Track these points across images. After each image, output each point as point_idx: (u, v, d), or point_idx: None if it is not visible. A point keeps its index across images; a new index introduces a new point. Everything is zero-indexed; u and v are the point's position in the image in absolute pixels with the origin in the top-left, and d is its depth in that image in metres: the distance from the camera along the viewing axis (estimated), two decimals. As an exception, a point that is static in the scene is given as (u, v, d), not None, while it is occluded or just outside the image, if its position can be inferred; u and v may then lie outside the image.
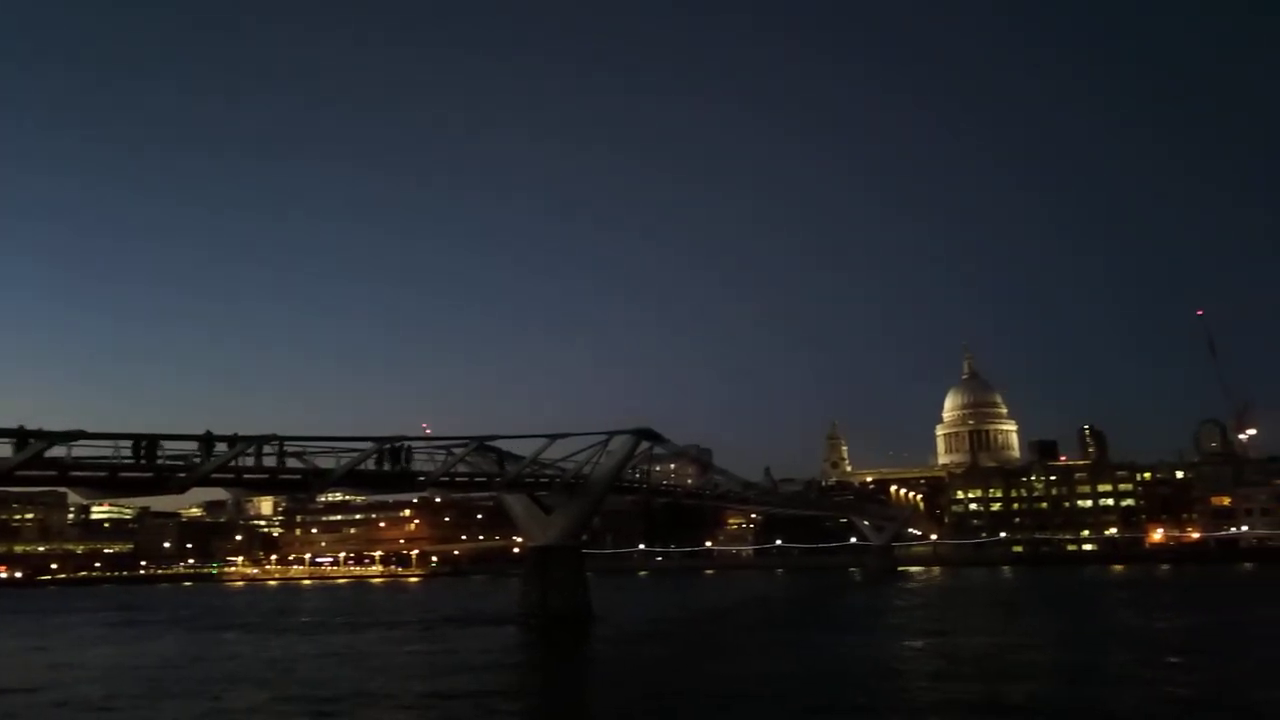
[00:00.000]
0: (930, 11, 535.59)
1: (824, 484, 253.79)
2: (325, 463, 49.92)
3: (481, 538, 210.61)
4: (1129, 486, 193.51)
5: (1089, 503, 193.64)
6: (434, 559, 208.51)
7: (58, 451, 39.34)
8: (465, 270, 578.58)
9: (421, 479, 55.80)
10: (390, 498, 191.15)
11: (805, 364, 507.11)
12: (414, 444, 54.98)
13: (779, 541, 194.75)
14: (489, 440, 60.72)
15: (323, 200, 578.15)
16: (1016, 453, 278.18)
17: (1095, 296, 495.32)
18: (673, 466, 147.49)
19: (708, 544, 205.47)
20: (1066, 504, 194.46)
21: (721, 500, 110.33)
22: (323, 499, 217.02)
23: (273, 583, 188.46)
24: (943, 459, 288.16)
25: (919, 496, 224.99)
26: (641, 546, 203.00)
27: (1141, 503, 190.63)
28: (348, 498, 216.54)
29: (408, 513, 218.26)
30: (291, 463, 48.23)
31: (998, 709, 29.16)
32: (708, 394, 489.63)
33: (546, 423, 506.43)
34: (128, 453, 41.83)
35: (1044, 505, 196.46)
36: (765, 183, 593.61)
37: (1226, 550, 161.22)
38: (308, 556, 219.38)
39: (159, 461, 42.98)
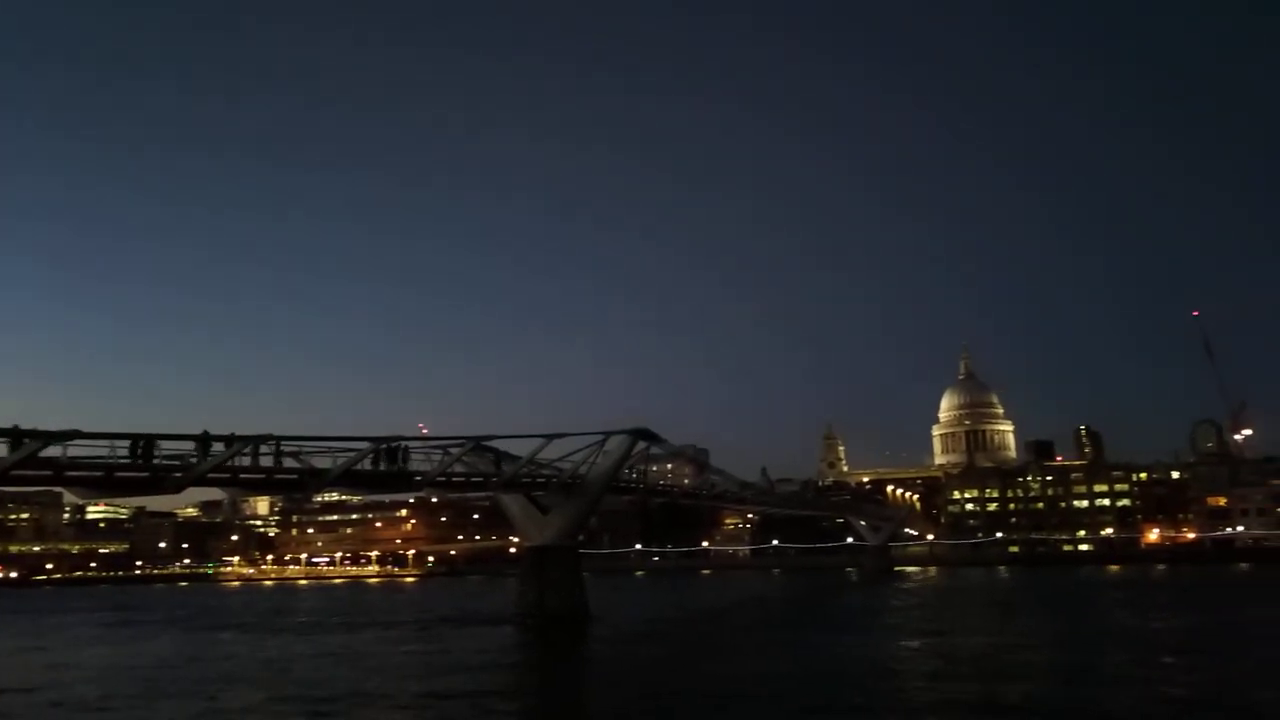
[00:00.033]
0: (930, 11, 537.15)
1: (821, 484, 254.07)
2: (321, 463, 49.79)
3: (478, 538, 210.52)
4: (1125, 487, 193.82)
5: (1085, 503, 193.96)
6: (430, 559, 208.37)
7: (53, 451, 39.19)
8: (463, 270, 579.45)
9: (418, 479, 55.70)
10: (387, 498, 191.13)
11: (802, 364, 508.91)
12: (411, 444, 54.91)
13: (776, 541, 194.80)
14: (486, 440, 60.63)
15: (321, 200, 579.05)
16: (1013, 453, 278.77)
17: (1092, 297, 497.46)
18: (669, 466, 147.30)
19: (704, 544, 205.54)
20: (1063, 504, 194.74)
21: (718, 500, 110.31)
22: (319, 499, 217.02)
23: (269, 583, 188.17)
24: (939, 459, 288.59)
25: (915, 497, 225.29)
26: (638, 546, 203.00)
27: (1137, 503, 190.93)
28: (344, 498, 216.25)
29: (404, 513, 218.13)
30: (288, 463, 48.13)
31: (995, 709, 29.16)
32: (705, 394, 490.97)
33: (544, 422, 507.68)
34: (123, 452, 41.71)
35: (1040, 505, 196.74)
36: (764, 183, 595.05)
37: (1222, 550, 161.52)
38: (304, 556, 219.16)
39: (155, 461, 42.89)
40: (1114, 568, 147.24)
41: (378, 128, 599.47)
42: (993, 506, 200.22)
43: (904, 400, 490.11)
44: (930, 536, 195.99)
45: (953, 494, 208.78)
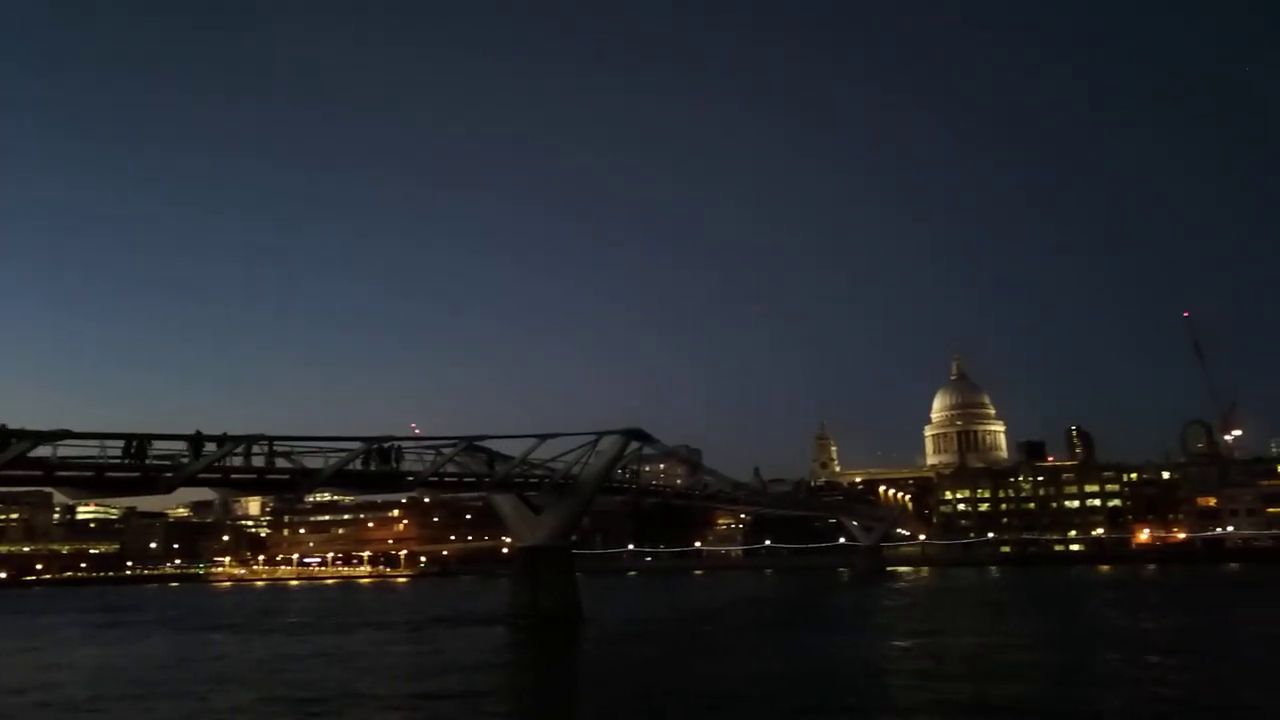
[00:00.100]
0: (930, 11, 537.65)
1: (813, 484, 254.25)
2: (313, 463, 49.72)
3: (470, 538, 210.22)
4: (1116, 487, 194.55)
5: (1076, 503, 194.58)
6: (423, 559, 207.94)
7: (43, 451, 39.05)
8: (456, 270, 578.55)
9: (410, 479, 55.64)
10: (379, 498, 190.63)
11: (795, 364, 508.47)
12: (403, 444, 54.80)
13: (768, 542, 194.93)
14: (478, 440, 60.58)
15: (318, 201, 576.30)
16: (1004, 453, 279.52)
17: (1084, 298, 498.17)
18: (662, 467, 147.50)
19: (697, 544, 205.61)
20: (1054, 504, 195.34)
21: (711, 500, 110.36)
22: (311, 499, 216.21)
23: (260, 583, 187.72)
24: (931, 459, 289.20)
25: (907, 497, 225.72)
26: (631, 547, 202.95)
27: (1128, 503, 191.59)
28: (336, 498, 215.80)
29: (396, 513, 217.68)
30: (280, 463, 48.03)
31: (986, 709, 29.24)
32: (698, 394, 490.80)
33: (536, 423, 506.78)
34: (113, 453, 41.55)
35: (1031, 506, 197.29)
36: (759, 183, 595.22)
37: (1212, 550, 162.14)
38: (295, 557, 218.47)
39: (146, 461, 42.72)
40: (1105, 568, 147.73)
41: (375, 128, 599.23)
42: (984, 507, 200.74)
43: (896, 400, 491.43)
44: (922, 537, 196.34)
45: (944, 494, 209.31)
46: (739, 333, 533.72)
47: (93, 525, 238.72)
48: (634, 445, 69.19)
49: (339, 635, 60.05)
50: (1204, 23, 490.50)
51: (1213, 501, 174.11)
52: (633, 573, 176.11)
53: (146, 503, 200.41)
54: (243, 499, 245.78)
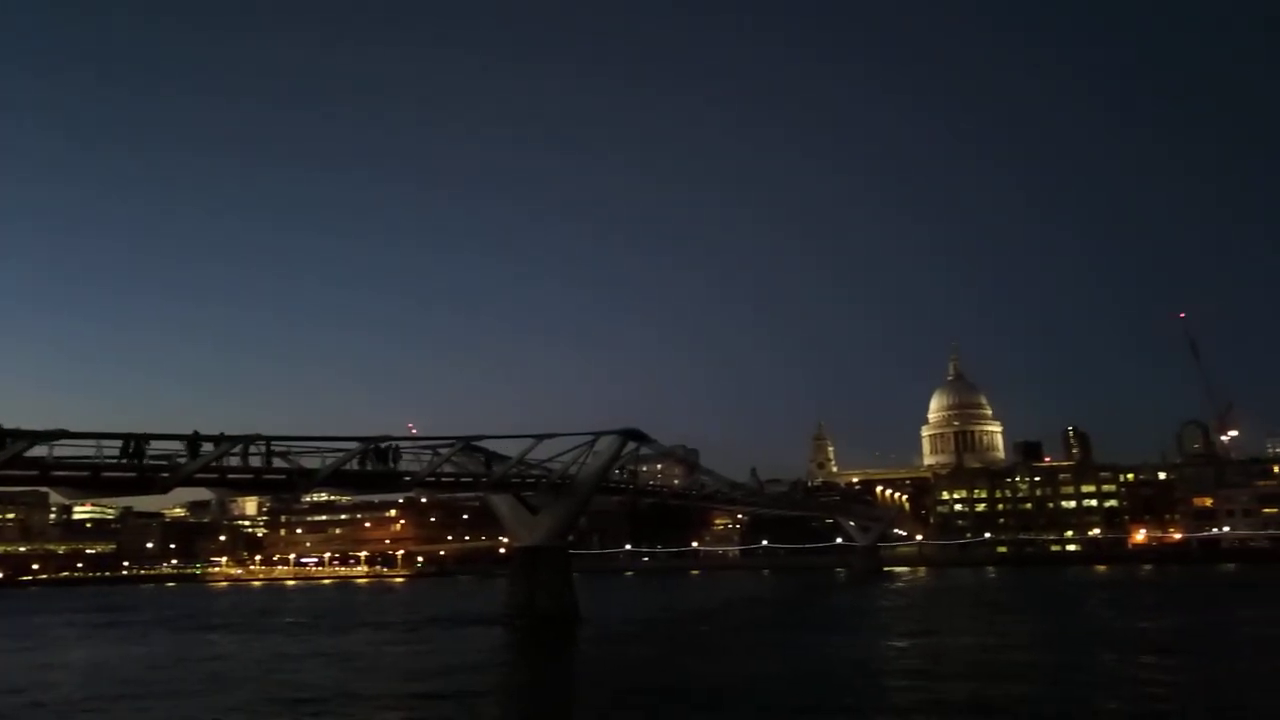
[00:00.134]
0: (930, 11, 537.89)
1: (810, 484, 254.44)
2: (310, 462, 49.69)
3: (468, 538, 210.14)
4: (1112, 488, 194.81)
5: (1073, 503, 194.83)
6: (420, 559, 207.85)
7: (39, 451, 39.00)
8: (453, 271, 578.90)
9: (407, 479, 55.62)
10: (376, 498, 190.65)
11: (792, 364, 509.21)
12: (400, 444, 54.78)
13: (765, 542, 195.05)
14: (475, 440, 60.59)
15: (314, 202, 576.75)
16: (1001, 454, 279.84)
17: (1082, 299, 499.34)
18: (659, 467, 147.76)
19: (694, 544, 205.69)
20: (1050, 505, 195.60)
21: (708, 501, 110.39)
22: (308, 499, 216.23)
23: (257, 583, 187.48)
24: (928, 459, 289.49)
25: (904, 497, 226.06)
26: (628, 547, 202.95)
27: (1125, 504, 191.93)
28: (333, 498, 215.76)
29: (393, 513, 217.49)
30: (277, 463, 47.99)
31: (982, 709, 29.25)
32: (694, 394, 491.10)
33: (533, 423, 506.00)
34: (110, 452, 41.51)
35: (1028, 506, 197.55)
36: (757, 183, 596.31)
37: (1208, 551, 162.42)
38: (292, 557, 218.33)
39: (141, 461, 42.66)
40: (1101, 568, 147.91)
41: (373, 129, 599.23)
42: (981, 507, 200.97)
43: (893, 401, 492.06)
44: (919, 537, 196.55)
45: (941, 494, 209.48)
46: (736, 333, 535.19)
47: (89, 525, 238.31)
48: (631, 445, 69.23)
49: (336, 635, 59.99)
50: (1204, 23, 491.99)
51: (1209, 502, 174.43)
52: (630, 573, 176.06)
53: (143, 503, 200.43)
54: (240, 499, 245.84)
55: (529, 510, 63.14)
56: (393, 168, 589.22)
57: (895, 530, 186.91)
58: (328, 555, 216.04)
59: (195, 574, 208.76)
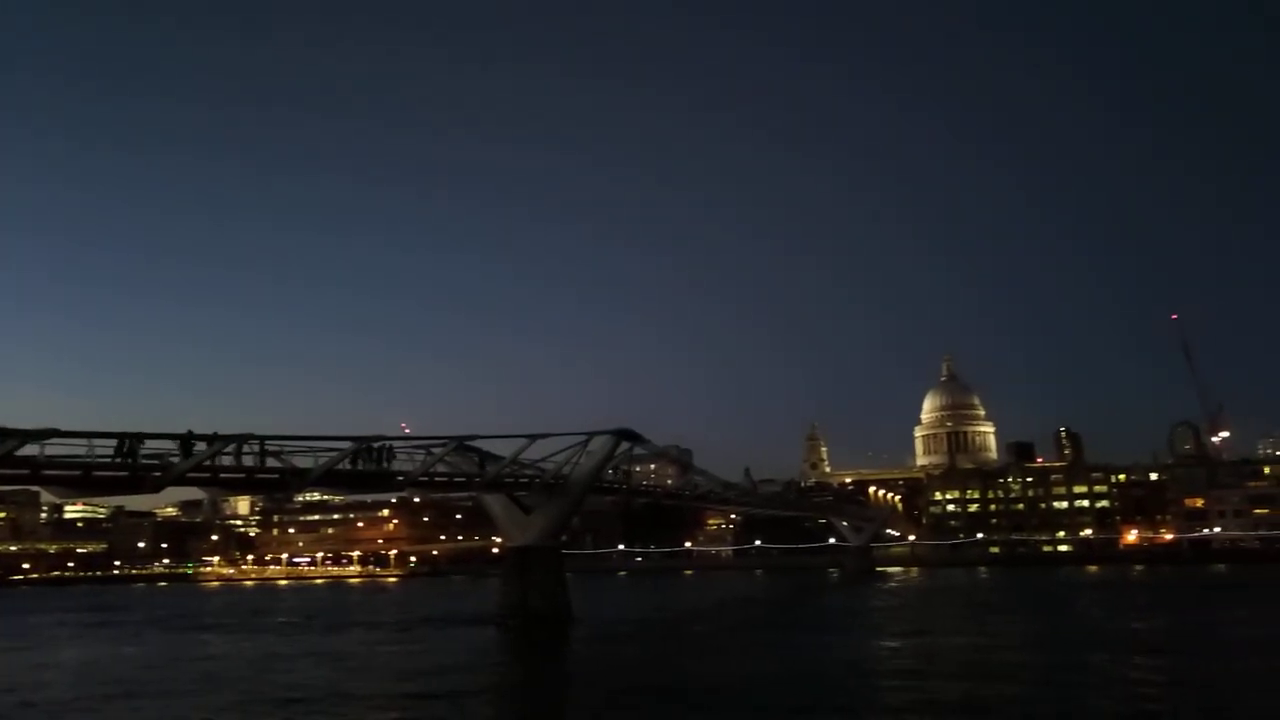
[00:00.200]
0: (930, 11, 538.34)
1: (803, 485, 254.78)
2: (303, 462, 49.58)
3: (460, 538, 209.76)
4: (1104, 488, 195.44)
5: (1065, 504, 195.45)
6: (412, 559, 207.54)
7: (30, 450, 38.85)
8: (447, 272, 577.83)
9: (400, 479, 55.57)
10: (369, 497, 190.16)
11: (786, 365, 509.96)
12: (393, 444, 54.72)
13: (758, 542, 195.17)
14: (469, 440, 60.53)
15: (309, 205, 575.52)
16: (994, 454, 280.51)
17: (1075, 300, 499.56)
18: (652, 467, 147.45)
19: (687, 544, 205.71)
20: (1043, 505, 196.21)
21: (701, 501, 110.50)
22: (300, 499, 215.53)
23: (249, 583, 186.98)
24: (921, 460, 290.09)
25: (897, 497, 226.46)
26: (621, 547, 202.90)
27: (1116, 504, 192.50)
28: (325, 497, 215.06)
29: (386, 513, 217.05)
30: (270, 462, 47.87)
31: (974, 709, 29.36)
32: (688, 395, 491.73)
33: (527, 423, 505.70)
34: (101, 451, 41.37)
35: (1020, 506, 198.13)
36: (752, 183, 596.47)
37: (1199, 551, 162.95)
38: (285, 557, 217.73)
39: (133, 460, 42.52)
40: (1093, 568, 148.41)
41: (369, 131, 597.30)
42: (974, 507, 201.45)
43: (886, 401, 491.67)
44: (912, 537, 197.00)
45: (934, 495, 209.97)
46: (731, 333, 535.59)
47: (80, 524, 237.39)
48: (624, 445, 69.27)
49: (328, 635, 59.91)
50: (1204, 23, 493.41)
51: (1200, 503, 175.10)
52: (623, 573, 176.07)
53: (135, 502, 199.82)
54: (232, 498, 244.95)
55: (522, 510, 63.11)
56: (389, 168, 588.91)
57: (888, 530, 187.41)
58: (320, 555, 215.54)
59: (187, 574, 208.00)
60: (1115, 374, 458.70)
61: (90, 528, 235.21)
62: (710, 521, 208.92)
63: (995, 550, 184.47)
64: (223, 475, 47.00)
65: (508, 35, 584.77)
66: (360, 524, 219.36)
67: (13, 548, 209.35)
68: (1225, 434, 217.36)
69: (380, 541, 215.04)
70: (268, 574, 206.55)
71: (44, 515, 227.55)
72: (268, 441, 47.54)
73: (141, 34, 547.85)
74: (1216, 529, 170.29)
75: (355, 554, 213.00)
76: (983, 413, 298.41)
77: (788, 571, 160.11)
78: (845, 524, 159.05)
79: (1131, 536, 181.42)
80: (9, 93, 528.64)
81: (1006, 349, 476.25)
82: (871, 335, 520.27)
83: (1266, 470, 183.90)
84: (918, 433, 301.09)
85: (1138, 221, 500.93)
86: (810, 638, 51.67)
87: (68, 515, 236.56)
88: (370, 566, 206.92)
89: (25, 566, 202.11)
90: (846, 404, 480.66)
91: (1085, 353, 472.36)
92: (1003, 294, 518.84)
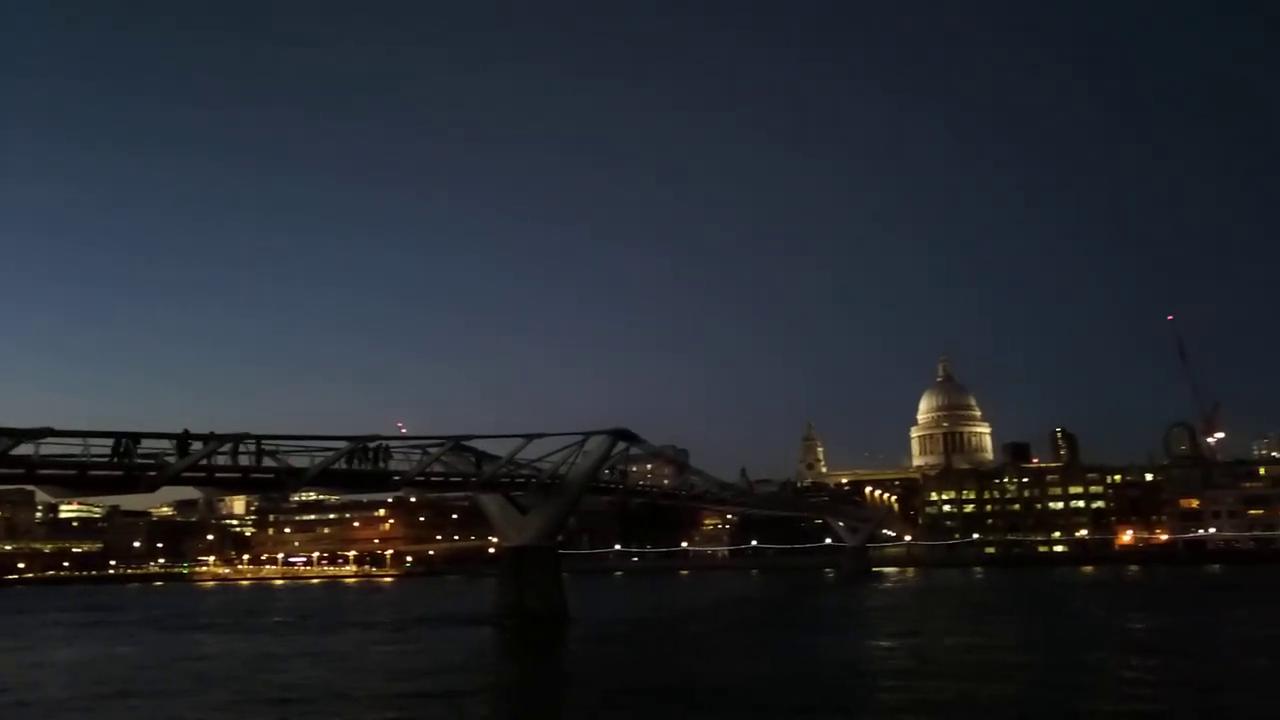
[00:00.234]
0: (930, 11, 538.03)
1: (799, 485, 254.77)
2: (299, 462, 49.55)
3: (457, 538, 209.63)
4: (1100, 489, 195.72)
5: (1060, 504, 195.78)
6: (409, 559, 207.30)
7: (25, 449, 38.77)
8: (443, 272, 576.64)
9: (396, 478, 55.55)
10: (365, 497, 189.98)
11: (782, 365, 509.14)
12: (389, 443, 54.69)
13: (754, 542, 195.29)
14: (465, 440, 60.51)
15: (303, 204, 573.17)
16: (990, 455, 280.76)
17: (1081, 299, 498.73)
18: (649, 467, 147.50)
19: (683, 544, 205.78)
20: (1038, 506, 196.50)
21: (697, 501, 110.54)
22: (296, 498, 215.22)
23: (245, 583, 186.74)
24: (917, 460, 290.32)
25: (893, 498, 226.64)
26: (617, 547, 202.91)
27: (1111, 505, 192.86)
28: (321, 497, 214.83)
29: (382, 512, 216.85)
30: (265, 462, 47.83)
31: (970, 709, 29.41)
32: (684, 395, 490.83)
33: (523, 423, 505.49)
34: (96, 451, 41.30)
35: (1016, 507, 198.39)
36: (751, 182, 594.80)
37: (1194, 552, 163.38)
38: (280, 556, 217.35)
39: (128, 460, 42.45)
40: (1088, 569, 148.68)
41: (366, 131, 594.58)
42: (969, 508, 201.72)
43: (883, 402, 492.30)
44: (908, 537, 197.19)
45: (930, 495, 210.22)
46: (727, 333, 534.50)
47: (75, 524, 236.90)
48: (621, 445, 69.24)
49: (324, 635, 59.85)
50: (1204, 23, 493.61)
51: (1195, 503, 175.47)
52: (619, 573, 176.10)
53: (130, 501, 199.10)
54: (227, 498, 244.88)
55: (518, 510, 63.10)
56: (389, 168, 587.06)
57: (884, 531, 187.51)
58: (316, 555, 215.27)
59: (182, 573, 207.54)
60: (1114, 374, 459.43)
61: (85, 527, 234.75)
62: (706, 522, 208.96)
63: (991, 550, 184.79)
64: (218, 475, 46.99)
65: (508, 35, 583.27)
66: (356, 524, 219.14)
67: (7, 547, 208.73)
68: (1220, 435, 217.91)
69: (376, 541, 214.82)
70: (263, 574, 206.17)
71: (39, 515, 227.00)
72: (264, 441, 47.54)
73: (141, 34, 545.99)
74: (1211, 530, 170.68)
75: (351, 554, 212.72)
76: (979, 413, 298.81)
77: (784, 572, 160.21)
78: (841, 524, 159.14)
79: (1127, 537, 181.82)
80: (9, 93, 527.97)
81: (1005, 349, 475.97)
82: (870, 335, 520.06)
83: (1262, 471, 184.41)
84: (914, 433, 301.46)
85: (1138, 221, 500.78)
86: (806, 638, 51.71)
87: (63, 515, 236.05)
88: (366, 566, 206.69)
89: (20, 566, 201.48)
90: (845, 404, 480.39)
91: (1084, 353, 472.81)
92: (1002, 294, 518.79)
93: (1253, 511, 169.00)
